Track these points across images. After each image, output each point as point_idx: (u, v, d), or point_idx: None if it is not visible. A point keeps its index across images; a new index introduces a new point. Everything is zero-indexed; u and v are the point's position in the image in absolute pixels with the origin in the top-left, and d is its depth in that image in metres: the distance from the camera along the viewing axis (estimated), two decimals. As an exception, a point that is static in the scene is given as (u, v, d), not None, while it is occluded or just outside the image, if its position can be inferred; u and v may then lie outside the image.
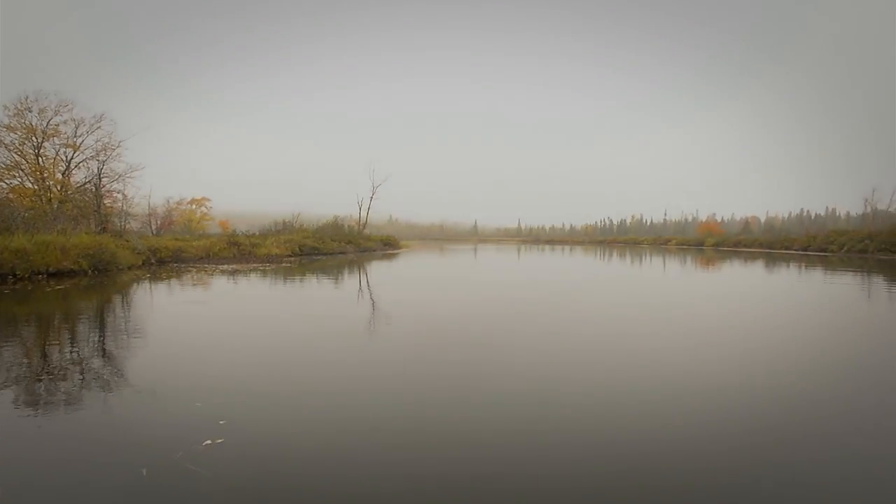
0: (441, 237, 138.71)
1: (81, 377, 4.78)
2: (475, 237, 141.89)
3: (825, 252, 37.71)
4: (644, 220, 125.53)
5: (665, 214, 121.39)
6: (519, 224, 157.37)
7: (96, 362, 5.37)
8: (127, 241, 19.42)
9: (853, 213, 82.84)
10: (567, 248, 58.24)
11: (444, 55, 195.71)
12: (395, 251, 39.88)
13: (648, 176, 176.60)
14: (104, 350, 5.96)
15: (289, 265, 20.77)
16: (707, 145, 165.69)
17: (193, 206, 55.28)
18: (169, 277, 14.78)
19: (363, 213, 46.40)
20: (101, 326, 7.54)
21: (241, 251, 25.61)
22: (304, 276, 16.57)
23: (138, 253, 18.74)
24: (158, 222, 36.91)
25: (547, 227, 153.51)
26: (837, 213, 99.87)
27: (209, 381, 4.70)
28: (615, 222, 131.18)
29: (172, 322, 7.97)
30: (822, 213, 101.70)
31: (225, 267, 18.94)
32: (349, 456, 3.13)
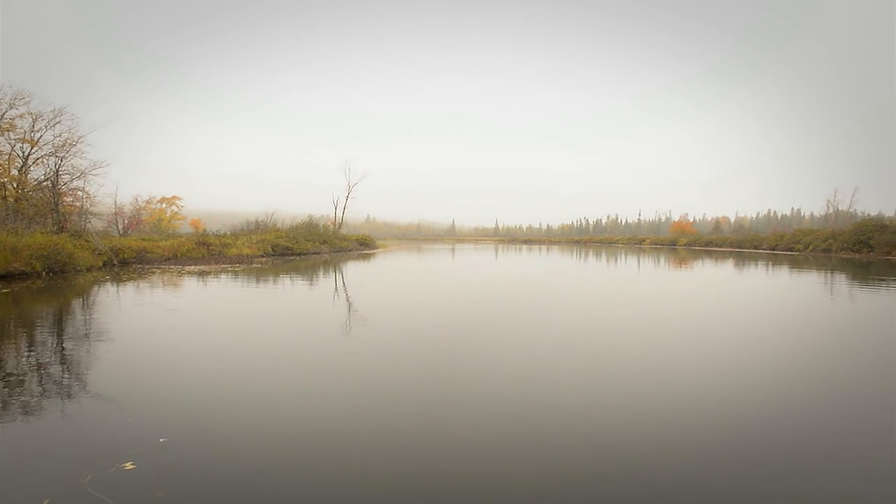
0: (418, 237, 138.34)
1: (6, 389, 4.38)
2: (453, 237, 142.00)
3: (792, 251, 38.95)
4: (619, 220, 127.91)
5: (639, 214, 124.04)
6: (496, 224, 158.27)
7: (28, 372, 4.95)
8: (87, 241, 18.55)
9: (816, 214, 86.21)
10: (544, 247, 58.64)
11: (427, 54, 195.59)
12: (372, 251, 39.41)
13: (627, 177, 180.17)
14: (40, 358, 5.52)
15: (259, 266, 20.20)
16: (692, 147, 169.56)
17: (164, 205, 53.76)
18: (130, 279, 14.13)
19: (339, 213, 45.86)
20: (43, 332, 7.05)
21: (210, 252, 24.86)
22: (273, 277, 16.09)
23: (99, 254, 17.92)
24: (125, 222, 35.64)
25: (524, 227, 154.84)
26: (802, 214, 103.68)
27: (154, 393, 4.37)
28: (591, 222, 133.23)
29: (123, 327, 7.52)
30: (788, 214, 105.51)
31: (192, 268, 18.28)
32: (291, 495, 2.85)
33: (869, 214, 59.36)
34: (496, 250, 47.13)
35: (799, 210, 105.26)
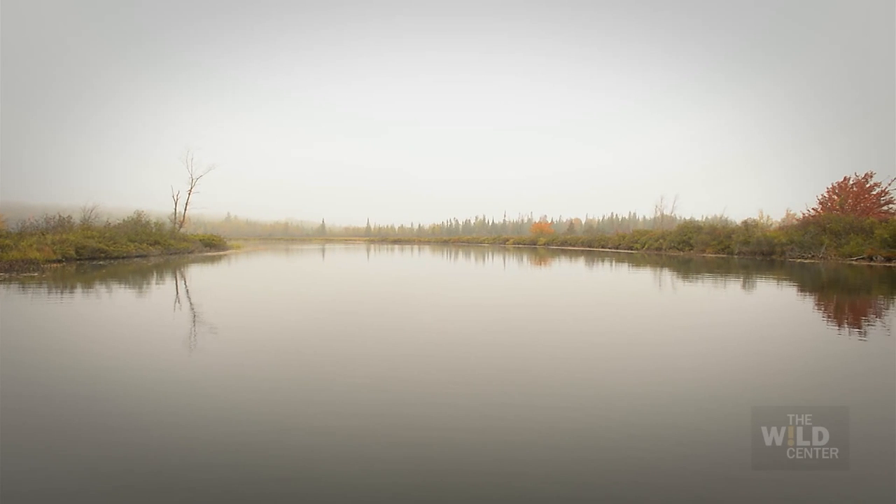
0: (285, 237, 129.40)
1: None
2: (322, 237, 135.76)
3: (632, 249, 43.66)
4: (486, 221, 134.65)
5: (504, 215, 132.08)
6: (368, 223, 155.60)
7: None
8: None
9: (648, 217, 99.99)
10: (415, 247, 57.97)
11: (302, 47, 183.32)
12: (220, 253, 34.31)
13: (497, 180, 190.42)
14: None
15: (38, 274, 15.39)
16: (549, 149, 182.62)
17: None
18: None
19: (180, 209, 39.61)
20: None
21: (-26, 256, 18.66)
22: (34, 291, 12.01)
23: None
24: None
25: (396, 227, 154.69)
26: (637, 217, 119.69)
27: None
28: (460, 222, 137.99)
29: None
30: (626, 217, 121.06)
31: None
32: None
33: (685, 218, 70.08)
34: (367, 251, 44.95)
35: (635, 213, 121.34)
